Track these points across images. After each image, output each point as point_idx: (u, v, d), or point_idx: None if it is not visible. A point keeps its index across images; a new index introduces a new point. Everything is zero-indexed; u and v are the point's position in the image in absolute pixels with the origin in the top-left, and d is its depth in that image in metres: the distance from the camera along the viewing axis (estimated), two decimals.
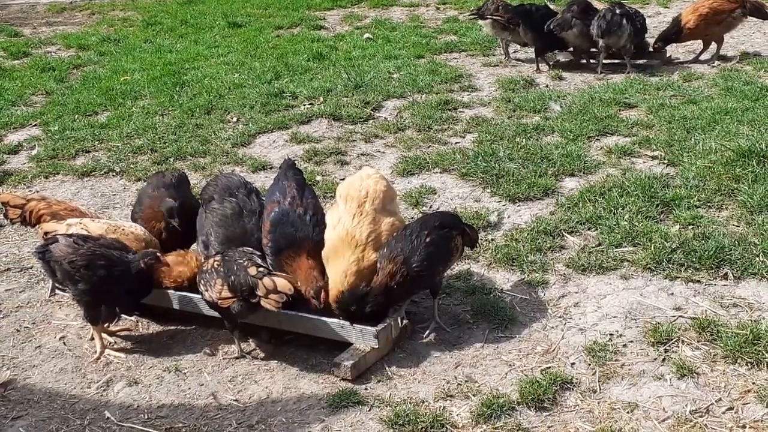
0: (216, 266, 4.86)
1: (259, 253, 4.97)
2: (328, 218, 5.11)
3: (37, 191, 7.15)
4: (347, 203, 5.04)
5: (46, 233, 5.38)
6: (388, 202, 5.11)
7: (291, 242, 5.05)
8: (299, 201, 5.23)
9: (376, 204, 5.02)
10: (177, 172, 5.96)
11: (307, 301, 4.91)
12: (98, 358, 4.99)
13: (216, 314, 4.95)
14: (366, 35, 11.76)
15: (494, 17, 9.87)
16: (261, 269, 4.73)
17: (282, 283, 4.67)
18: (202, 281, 4.90)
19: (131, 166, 7.71)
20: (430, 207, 6.52)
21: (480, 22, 10.46)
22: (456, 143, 7.76)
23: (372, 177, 5.18)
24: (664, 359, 4.62)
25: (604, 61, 9.69)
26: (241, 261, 4.80)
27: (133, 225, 5.39)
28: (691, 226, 5.87)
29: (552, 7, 10.59)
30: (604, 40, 9.27)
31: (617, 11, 9.22)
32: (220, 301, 4.78)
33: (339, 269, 4.85)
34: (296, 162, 5.95)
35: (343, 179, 6.07)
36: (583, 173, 6.90)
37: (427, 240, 4.84)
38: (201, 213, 5.48)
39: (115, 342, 5.14)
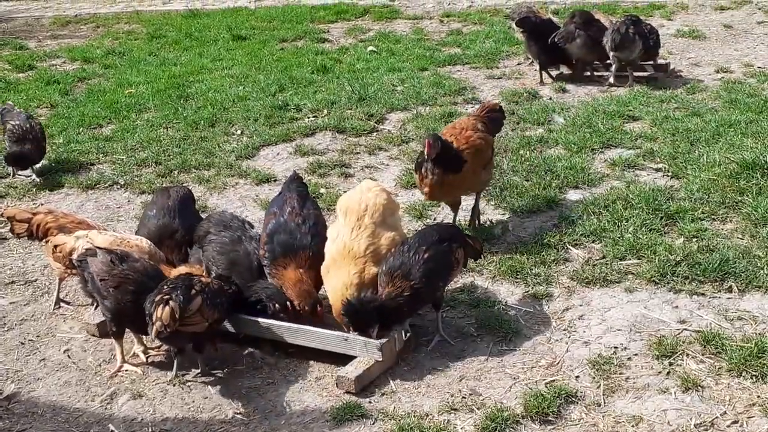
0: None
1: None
2: (329, 232, 5.11)
3: (42, 204, 7.16)
4: (347, 217, 5.04)
5: (55, 246, 5.39)
6: (388, 216, 5.10)
7: (287, 250, 5.06)
8: (298, 211, 5.24)
9: (375, 217, 5.01)
10: (182, 189, 5.94)
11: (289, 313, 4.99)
12: (117, 372, 4.99)
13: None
14: (370, 48, 11.79)
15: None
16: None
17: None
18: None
19: (136, 178, 7.72)
20: (434, 219, 6.52)
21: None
22: None
23: (372, 190, 5.17)
24: (668, 372, 4.62)
25: (605, 74, 9.75)
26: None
27: (139, 238, 5.40)
28: (695, 239, 5.87)
29: (555, 20, 10.59)
30: (616, 53, 9.29)
31: (631, 27, 9.20)
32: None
33: (339, 283, 4.86)
34: (301, 175, 5.96)
35: (347, 192, 6.08)
36: (587, 186, 6.90)
37: (426, 255, 4.82)
38: (197, 251, 5.48)
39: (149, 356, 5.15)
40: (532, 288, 5.51)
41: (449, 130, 6.22)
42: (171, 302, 4.57)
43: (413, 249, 4.86)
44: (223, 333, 5.02)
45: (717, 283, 5.38)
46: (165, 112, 9.41)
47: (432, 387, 4.68)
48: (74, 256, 5.13)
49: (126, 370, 5.00)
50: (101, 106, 9.79)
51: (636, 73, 9.51)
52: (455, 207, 6.23)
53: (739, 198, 6.36)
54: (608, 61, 9.63)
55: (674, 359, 4.71)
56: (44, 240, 5.57)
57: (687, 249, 5.70)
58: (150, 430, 4.52)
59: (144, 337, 5.16)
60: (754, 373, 4.51)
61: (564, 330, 5.09)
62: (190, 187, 6.44)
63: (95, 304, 5.34)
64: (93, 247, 5.04)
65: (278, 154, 8.15)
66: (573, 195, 6.77)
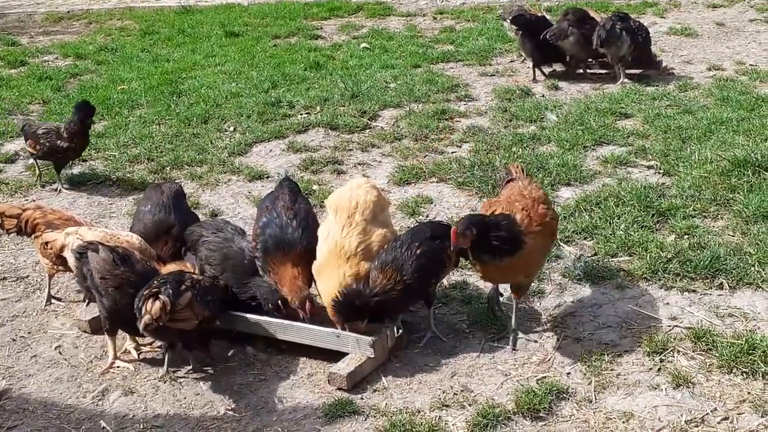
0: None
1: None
2: (320, 231, 5.10)
3: (33, 200, 7.14)
4: (337, 214, 5.02)
5: (46, 243, 5.37)
6: (378, 212, 5.08)
7: (278, 244, 5.06)
8: (290, 205, 5.26)
9: (366, 214, 4.99)
10: (173, 185, 5.92)
11: (294, 311, 4.95)
12: (108, 368, 4.99)
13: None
14: (363, 45, 11.78)
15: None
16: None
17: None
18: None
19: (128, 175, 7.71)
20: (427, 216, 6.52)
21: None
22: (452, 153, 7.77)
23: (362, 187, 5.15)
24: (659, 369, 4.63)
25: (598, 71, 9.79)
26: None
27: (129, 234, 5.39)
28: (686, 236, 5.89)
29: (548, 17, 10.60)
30: (603, 50, 9.33)
31: (618, 23, 9.22)
32: None
33: (331, 281, 4.83)
34: (293, 173, 5.97)
35: (337, 189, 6.08)
36: (579, 183, 6.91)
37: (418, 251, 4.82)
38: (191, 256, 5.47)
39: (141, 353, 5.14)
40: None
41: (517, 198, 4.89)
42: (161, 296, 4.56)
43: (406, 245, 4.86)
44: (214, 331, 5.01)
45: (708, 280, 5.39)
46: (157, 109, 9.40)
47: (424, 383, 4.68)
48: (73, 248, 5.06)
49: (118, 367, 4.99)
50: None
51: (628, 71, 9.54)
52: (522, 290, 5.00)
53: (731, 195, 6.37)
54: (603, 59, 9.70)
55: (665, 356, 4.72)
56: (33, 236, 5.55)
57: (678, 246, 5.71)
58: (141, 426, 4.51)
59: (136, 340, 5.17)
60: (744, 370, 4.53)
61: (555, 326, 5.10)
62: (182, 184, 6.43)
63: (87, 301, 5.33)
64: (95, 242, 4.99)
65: (271, 150, 8.15)
66: (565, 192, 6.78)
